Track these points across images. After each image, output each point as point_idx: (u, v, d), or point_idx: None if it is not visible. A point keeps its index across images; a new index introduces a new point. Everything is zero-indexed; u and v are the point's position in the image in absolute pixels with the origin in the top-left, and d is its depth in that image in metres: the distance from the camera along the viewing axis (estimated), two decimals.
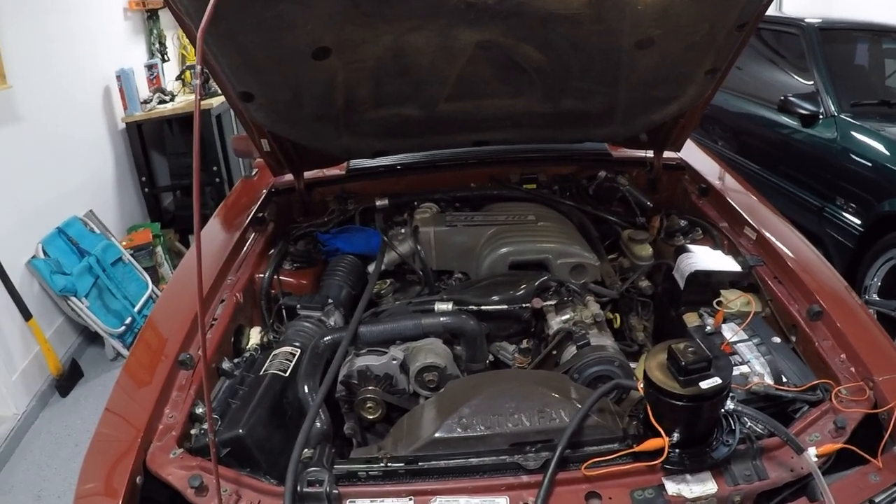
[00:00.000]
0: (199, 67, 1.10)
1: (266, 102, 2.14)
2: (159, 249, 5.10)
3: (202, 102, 5.34)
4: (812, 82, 4.65)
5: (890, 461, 1.50)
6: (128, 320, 4.29)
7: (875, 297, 3.93)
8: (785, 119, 4.74)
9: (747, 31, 2.13)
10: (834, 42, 4.86)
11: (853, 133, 4.23)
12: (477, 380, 1.80)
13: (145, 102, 5.45)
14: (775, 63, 5.38)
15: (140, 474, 1.47)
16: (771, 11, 8.05)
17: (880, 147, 4.03)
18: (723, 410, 1.46)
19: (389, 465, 1.49)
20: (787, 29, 5.13)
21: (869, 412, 1.59)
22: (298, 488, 1.40)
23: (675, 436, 1.41)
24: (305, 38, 1.87)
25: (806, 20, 4.99)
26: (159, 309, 2.15)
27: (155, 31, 6.09)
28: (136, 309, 4.40)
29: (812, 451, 1.45)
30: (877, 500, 1.45)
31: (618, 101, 2.40)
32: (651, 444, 1.41)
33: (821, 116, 4.46)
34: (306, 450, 1.54)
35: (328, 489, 1.40)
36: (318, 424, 1.63)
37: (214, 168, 5.68)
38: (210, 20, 1.09)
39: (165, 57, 6.19)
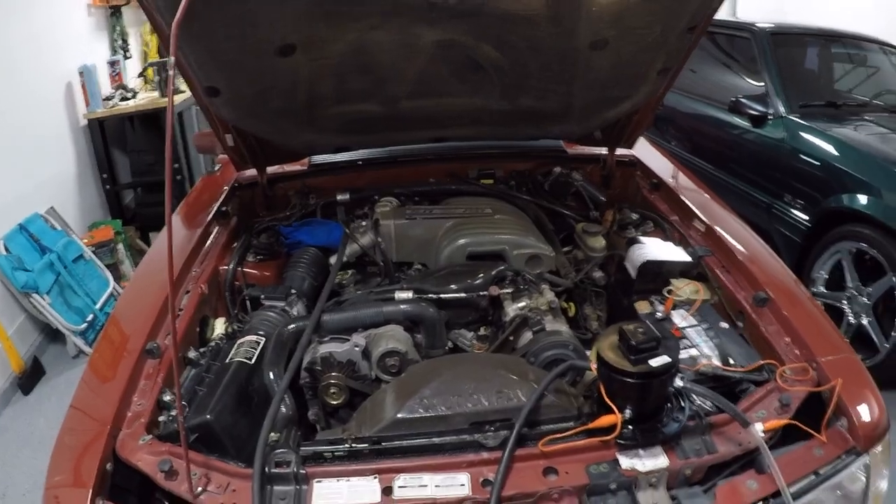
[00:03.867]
0: (172, 59, 1.15)
1: (232, 98, 2.17)
2: (120, 246, 5.07)
3: (165, 100, 5.38)
4: (762, 84, 4.79)
5: (833, 436, 1.61)
6: (90, 317, 4.28)
7: (822, 289, 4.07)
8: (736, 120, 4.88)
9: (697, 33, 2.23)
10: (785, 46, 5.02)
11: (801, 133, 4.39)
12: (437, 363, 1.86)
13: (107, 99, 5.42)
14: (728, 66, 5.53)
15: (110, 461, 1.50)
16: (725, 16, 8.31)
17: (826, 146, 4.19)
18: (672, 388, 1.54)
19: (354, 445, 1.53)
20: (739, 33, 5.28)
21: (812, 390, 1.68)
22: (266, 469, 1.44)
23: (628, 412, 1.49)
24: (272, 35, 1.92)
25: (758, 25, 5.14)
26: (123, 304, 2.18)
27: (118, 28, 6.04)
28: (97, 306, 4.39)
29: (759, 427, 1.54)
30: (821, 472, 1.55)
31: (573, 100, 2.48)
32: (605, 420, 1.49)
33: (770, 117, 4.60)
34: (273, 434, 1.58)
35: (295, 469, 1.44)
36: (283, 410, 1.67)
37: (176, 165, 5.65)
38: (184, 13, 1.13)
39: (128, 54, 6.15)
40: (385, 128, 2.55)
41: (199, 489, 1.43)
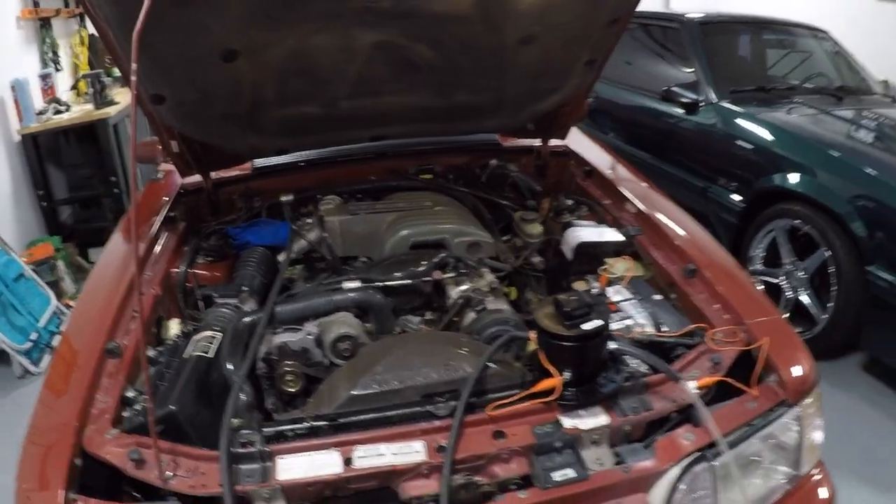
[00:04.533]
0: (134, 66, 1.21)
1: (177, 105, 2.21)
2: (60, 263, 5.00)
3: (100, 112, 5.33)
4: (693, 73, 4.97)
5: (765, 391, 1.76)
6: (33, 336, 4.20)
7: (760, 266, 4.25)
8: (669, 108, 5.04)
9: (620, 26, 2.36)
10: (714, 35, 5.21)
11: (732, 118, 4.58)
12: (388, 342, 1.96)
13: (41, 113, 5.31)
14: (662, 57, 5.70)
15: (78, 457, 1.53)
16: (659, 7, 8.56)
17: (757, 129, 4.39)
18: (607, 352, 1.67)
19: (314, 423, 1.62)
20: (670, 24, 5.47)
21: (742, 349, 1.82)
22: (232, 449, 1.50)
23: (567, 375, 1.60)
24: (216, 41, 1.98)
25: (686, 15, 5.35)
26: (77, 313, 2.18)
27: (48, 40, 5.89)
28: (41, 324, 4.32)
29: (692, 384, 1.69)
30: (754, 423, 1.69)
31: (505, 94, 2.59)
32: (546, 384, 1.60)
33: (701, 104, 4.77)
34: (235, 420, 1.63)
35: (260, 447, 1.51)
36: (243, 397, 1.73)
37: (113, 178, 5.57)
38: (146, 21, 1.22)
39: (59, 66, 6.03)
40: (326, 128, 2.61)
41: (169, 474, 1.48)
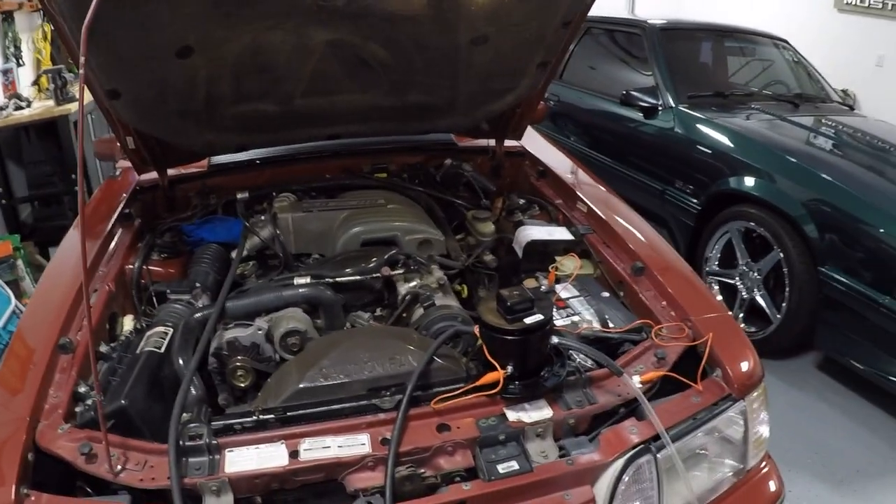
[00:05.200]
0: (83, 59, 1.23)
1: (132, 100, 2.22)
2: (20, 262, 4.93)
3: (61, 108, 5.27)
4: (652, 77, 5.02)
5: (709, 385, 1.80)
6: None
7: (716, 267, 4.32)
8: (629, 112, 5.07)
9: (572, 28, 2.40)
10: (677, 41, 5.28)
11: (689, 123, 4.64)
12: (335, 337, 1.98)
13: (1, 109, 5.25)
14: (624, 62, 5.74)
15: (31, 452, 1.53)
16: (624, 13, 8.66)
17: (713, 134, 4.45)
18: (551, 346, 1.70)
19: (261, 416, 1.63)
20: (632, 30, 5.52)
21: (686, 345, 1.87)
22: (181, 443, 1.52)
23: (510, 368, 1.62)
24: (170, 37, 1.99)
25: (648, 21, 5.40)
26: (30, 311, 2.16)
27: (10, 34, 5.82)
28: (0, 323, 4.29)
29: (636, 379, 1.73)
30: (698, 417, 1.72)
31: (458, 94, 2.62)
32: (489, 377, 1.63)
33: (660, 108, 4.82)
34: (185, 413, 1.65)
35: (208, 440, 1.53)
36: (193, 392, 1.75)
37: (73, 176, 5.49)
38: (95, 15, 1.23)
39: (20, 61, 5.95)
40: (281, 126, 2.62)
41: (119, 468, 1.49)
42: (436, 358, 1.74)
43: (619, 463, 1.60)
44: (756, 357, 1.86)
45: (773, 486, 1.89)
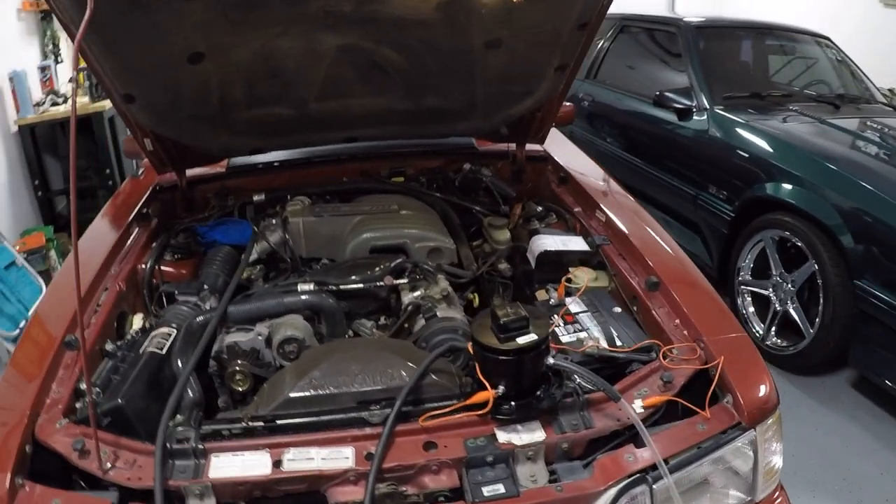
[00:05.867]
0: (74, 73, 1.25)
1: (147, 104, 2.25)
2: (52, 253, 5.03)
3: (96, 105, 5.36)
4: (687, 78, 4.91)
5: (717, 412, 1.68)
6: (22, 324, 4.24)
7: (749, 277, 4.19)
8: (663, 114, 4.96)
9: (589, 30, 2.33)
10: (714, 39, 5.16)
11: (724, 125, 4.51)
12: (329, 347, 1.96)
13: (38, 105, 5.37)
14: (662, 61, 5.62)
15: (29, 444, 1.56)
16: (664, 11, 8.50)
17: (749, 137, 4.31)
18: (548, 366, 1.63)
19: (250, 423, 1.63)
20: (668, 28, 5.42)
21: (695, 368, 1.76)
22: (168, 445, 1.53)
23: (501, 388, 1.56)
24: (180, 44, 2.01)
25: (684, 19, 5.29)
26: (45, 303, 2.23)
27: (48, 33, 5.95)
28: (30, 313, 4.37)
29: (638, 403, 1.64)
30: (703, 446, 1.61)
31: (475, 98, 2.58)
32: (480, 396, 1.57)
33: (694, 110, 4.70)
34: (179, 416, 1.67)
35: (194, 445, 1.54)
36: (191, 395, 1.75)
37: (107, 171, 5.63)
38: (86, 29, 1.24)
39: (59, 58, 6.07)
40: (296, 129, 2.62)
41: (108, 465, 1.51)
42: (432, 373, 1.70)
43: (612, 492, 1.52)
44: (772, 383, 1.74)
45: None
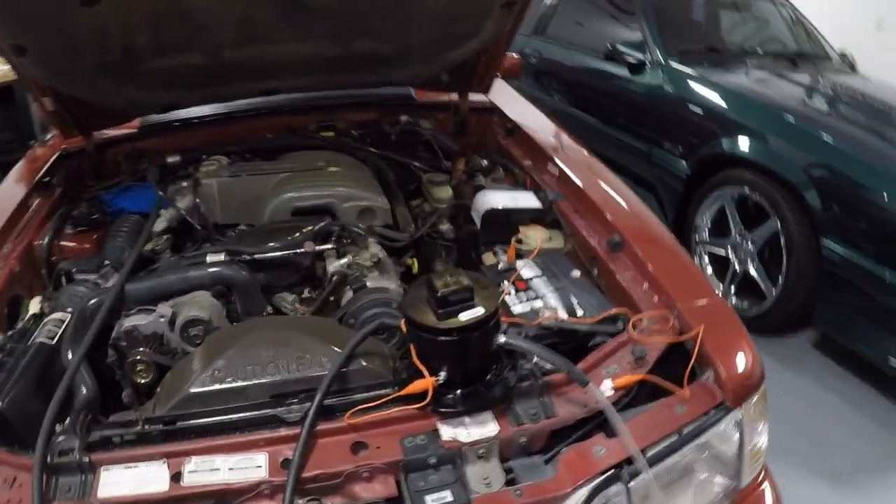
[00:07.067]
0: None
1: (40, 56, 2.06)
2: None
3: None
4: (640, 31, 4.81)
5: (698, 390, 1.51)
6: None
7: (706, 237, 4.11)
8: (615, 69, 4.86)
9: None
10: None
11: (678, 79, 4.42)
12: (236, 329, 1.74)
13: None
14: (613, 16, 5.46)
15: None
16: None
17: (705, 91, 4.24)
18: (497, 345, 1.41)
19: (146, 427, 1.41)
20: None
21: (672, 340, 1.58)
22: (50, 459, 1.32)
23: (443, 374, 1.36)
24: None
25: None
26: None
27: None
28: None
29: (608, 384, 1.45)
30: (685, 431, 1.44)
31: (413, 40, 2.40)
32: (418, 385, 1.36)
33: (648, 64, 4.62)
34: (70, 418, 1.44)
35: (79, 457, 1.32)
36: (84, 392, 1.53)
37: (31, 142, 5.29)
38: None
39: None
40: (211, 81, 2.42)
41: None
42: (360, 358, 1.47)
43: (582, 493, 1.34)
44: (755, 354, 1.57)
45: (769, 502, 1.64)
